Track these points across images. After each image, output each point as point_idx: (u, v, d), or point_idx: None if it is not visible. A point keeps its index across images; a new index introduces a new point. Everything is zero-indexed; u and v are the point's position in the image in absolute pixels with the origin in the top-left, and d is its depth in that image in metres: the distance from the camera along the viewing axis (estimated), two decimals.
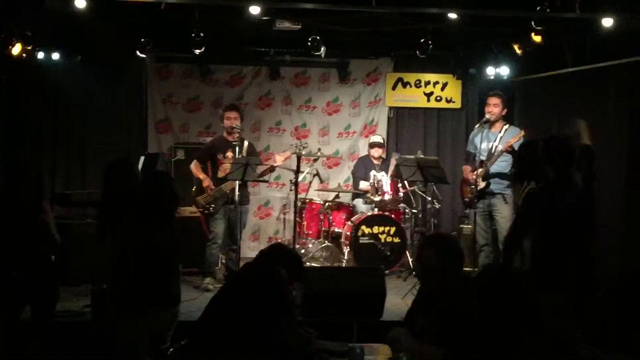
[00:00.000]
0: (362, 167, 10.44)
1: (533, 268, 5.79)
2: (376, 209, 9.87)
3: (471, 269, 8.89)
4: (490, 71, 10.70)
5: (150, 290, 5.23)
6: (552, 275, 5.65)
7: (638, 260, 7.84)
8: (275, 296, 4.33)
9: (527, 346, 3.42)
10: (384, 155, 10.57)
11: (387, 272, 8.93)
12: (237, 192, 8.62)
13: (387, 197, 9.82)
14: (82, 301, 7.55)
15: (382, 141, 10.56)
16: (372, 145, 10.45)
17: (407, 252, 9.76)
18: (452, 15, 8.00)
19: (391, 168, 10.05)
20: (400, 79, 11.49)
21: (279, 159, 9.08)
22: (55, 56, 10.04)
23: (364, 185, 10.23)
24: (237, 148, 8.78)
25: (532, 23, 7.98)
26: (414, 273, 9.10)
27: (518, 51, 9.38)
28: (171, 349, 4.95)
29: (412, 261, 9.57)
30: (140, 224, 5.37)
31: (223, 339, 4.21)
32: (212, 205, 8.87)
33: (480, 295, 3.55)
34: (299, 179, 9.07)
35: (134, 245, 5.32)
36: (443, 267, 4.27)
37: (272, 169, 9.12)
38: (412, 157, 9.42)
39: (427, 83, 11.50)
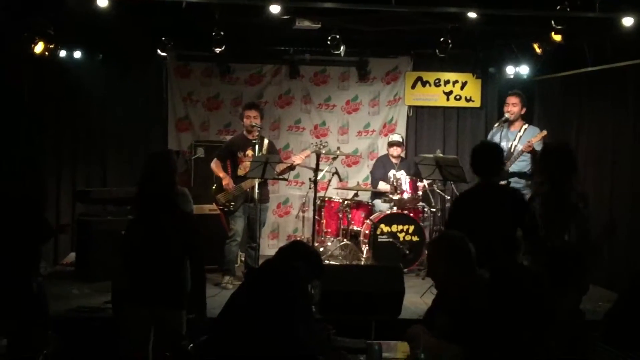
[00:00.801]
0: (381, 167, 10.45)
1: (551, 268, 5.78)
2: (395, 208, 9.88)
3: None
4: (510, 70, 10.69)
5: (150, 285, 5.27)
6: (570, 275, 5.64)
7: None
8: (294, 293, 4.36)
9: (544, 345, 3.43)
10: (403, 154, 10.58)
11: (405, 270, 8.94)
12: (256, 190, 8.65)
13: (406, 195, 9.83)
14: (102, 297, 7.60)
15: (401, 140, 10.57)
16: (391, 144, 10.46)
17: (425, 251, 9.75)
18: (472, 15, 8.00)
19: None
20: (419, 78, 11.49)
21: (298, 158, 9.10)
22: (77, 54, 10.13)
23: (382, 186, 10.23)
24: (256, 146, 8.82)
25: (552, 22, 7.97)
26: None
27: (538, 50, 9.37)
28: (191, 345, 4.98)
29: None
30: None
31: (242, 335, 4.25)
32: (232, 203, 8.91)
33: (494, 294, 3.57)
34: (318, 178, 9.09)
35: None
36: (449, 269, 4.28)
37: (292, 167, 9.13)
38: (431, 155, 9.41)
39: (447, 82, 11.50)
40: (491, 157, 6.23)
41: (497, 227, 5.83)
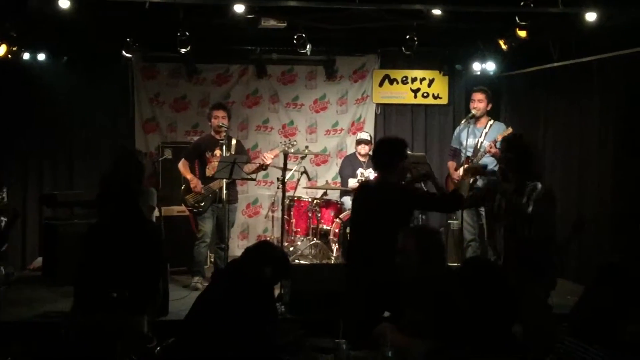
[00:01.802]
0: (349, 166, 10.43)
1: (519, 261, 5.80)
2: None
3: (458, 265, 8.91)
4: (477, 67, 10.72)
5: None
6: (536, 269, 5.67)
7: (623, 251, 7.89)
8: (260, 294, 4.35)
9: (510, 338, 3.44)
10: (370, 152, 10.57)
11: None
12: (224, 191, 8.62)
13: None
14: (70, 302, 7.49)
15: (369, 138, 10.55)
16: (359, 142, 10.44)
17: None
18: (436, 11, 8.01)
19: None
20: (387, 76, 11.51)
21: (268, 157, 9.06)
22: (41, 57, 10.01)
23: (352, 183, 10.22)
24: (224, 146, 8.78)
25: (517, 18, 8.00)
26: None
27: (504, 47, 9.39)
28: (158, 348, 4.94)
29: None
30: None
31: (209, 337, 4.22)
32: (201, 204, 8.87)
33: (463, 287, 3.58)
34: (287, 177, 9.06)
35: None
36: (422, 257, 4.30)
37: (264, 167, 9.09)
38: None
39: (414, 79, 11.53)
40: (383, 153, 6.22)
41: (378, 224, 5.80)
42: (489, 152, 8.51)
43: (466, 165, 8.56)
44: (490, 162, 8.69)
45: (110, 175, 5.67)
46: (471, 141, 8.78)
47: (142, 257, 5.24)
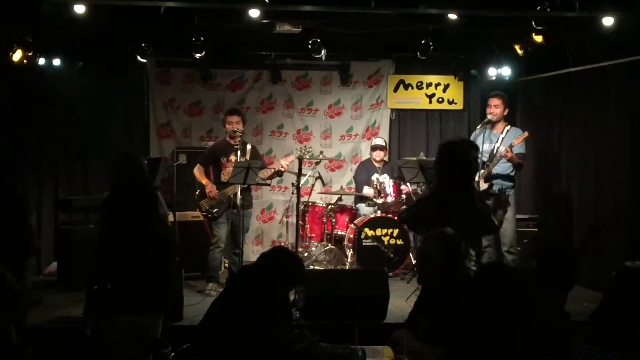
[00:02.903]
0: (364, 171, 10.42)
1: (537, 267, 5.75)
2: (379, 211, 9.85)
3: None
4: (492, 72, 10.68)
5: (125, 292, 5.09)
6: (554, 275, 5.62)
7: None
8: (274, 299, 4.33)
9: (526, 345, 3.41)
10: (386, 158, 10.55)
11: (390, 274, 8.95)
12: (239, 196, 8.60)
13: (389, 199, 9.81)
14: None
15: (384, 144, 10.54)
16: (374, 148, 10.43)
17: (410, 255, 9.74)
18: (452, 16, 7.99)
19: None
20: (401, 81, 11.48)
21: (284, 163, 9.03)
22: (57, 62, 10.03)
23: (367, 191, 10.19)
24: (239, 152, 8.77)
25: (533, 23, 7.96)
26: (417, 275, 9.07)
27: (519, 52, 9.37)
28: (172, 354, 4.92)
29: (415, 263, 9.55)
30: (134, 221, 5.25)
31: (224, 343, 4.21)
32: (216, 209, 8.85)
33: (478, 294, 3.55)
34: (301, 182, 9.04)
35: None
36: (443, 262, 4.28)
37: (279, 173, 9.07)
38: (414, 159, 9.40)
39: (429, 85, 11.49)
40: None
41: None
42: (505, 156, 8.47)
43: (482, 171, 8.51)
44: (507, 167, 8.66)
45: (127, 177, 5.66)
46: (487, 147, 8.73)
47: (153, 260, 5.16)
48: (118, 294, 5.01)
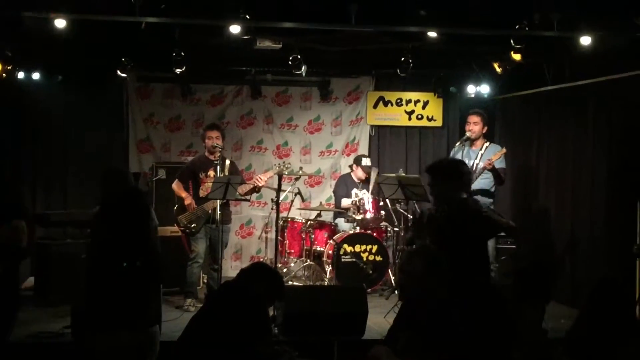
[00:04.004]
0: (344, 186, 10.42)
1: (514, 282, 5.79)
2: (358, 228, 9.85)
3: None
4: (471, 89, 10.76)
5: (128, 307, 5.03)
6: (530, 289, 5.66)
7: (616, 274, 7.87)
8: (253, 315, 4.32)
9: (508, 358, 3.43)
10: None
11: (369, 290, 8.97)
12: (218, 211, 8.58)
13: (369, 215, 9.81)
14: (62, 322, 7.46)
15: (370, 165, 10.49)
16: (363, 168, 10.33)
17: (389, 271, 9.74)
18: (432, 34, 8.05)
19: (372, 184, 10.06)
20: (381, 98, 11.52)
21: (262, 179, 9.04)
22: (36, 76, 10.01)
23: (346, 202, 10.20)
24: (218, 167, 8.76)
25: (511, 41, 8.03)
26: (396, 291, 9.10)
27: (498, 69, 9.45)
28: None
29: (394, 279, 9.56)
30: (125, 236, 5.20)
31: (202, 359, 4.20)
32: (194, 225, 8.83)
33: (464, 308, 3.57)
34: (281, 198, 9.04)
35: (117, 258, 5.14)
36: (428, 278, 4.29)
37: (257, 189, 9.08)
38: (394, 175, 9.43)
39: (408, 101, 11.53)
40: None
41: None
42: (488, 167, 8.51)
43: None
44: (487, 183, 8.73)
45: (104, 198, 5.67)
46: (466, 163, 8.77)
47: (146, 274, 5.10)
48: (112, 308, 4.93)
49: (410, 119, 11.54)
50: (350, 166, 10.69)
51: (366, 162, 10.39)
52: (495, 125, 10.91)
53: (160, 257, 5.53)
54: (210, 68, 10.88)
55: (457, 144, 9.18)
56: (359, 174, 10.36)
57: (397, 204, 10.00)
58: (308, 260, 9.89)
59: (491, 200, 8.81)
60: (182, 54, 9.07)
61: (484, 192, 8.70)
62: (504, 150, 8.77)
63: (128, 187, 6.26)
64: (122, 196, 5.33)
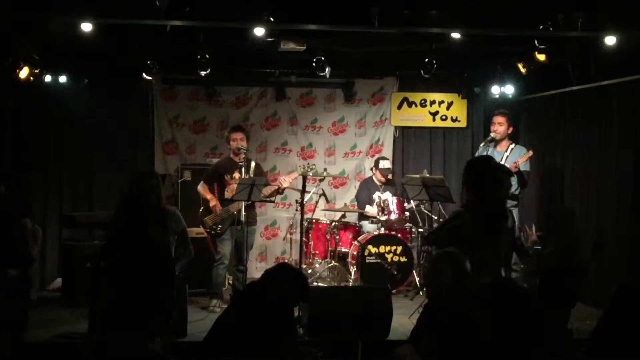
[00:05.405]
0: (366, 190, 10.41)
1: (540, 286, 5.77)
2: (382, 229, 9.86)
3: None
4: (495, 90, 10.72)
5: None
6: (557, 293, 5.64)
7: None
8: (279, 315, 4.35)
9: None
10: (390, 176, 10.57)
11: (393, 291, 8.97)
12: (243, 213, 8.62)
13: (393, 216, 9.82)
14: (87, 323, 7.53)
15: (390, 167, 10.50)
16: (381, 171, 10.34)
17: (413, 272, 9.74)
18: (456, 35, 8.03)
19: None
20: (405, 99, 11.52)
21: (286, 180, 9.07)
22: (62, 79, 10.12)
23: (369, 209, 10.18)
24: (243, 169, 8.81)
25: (536, 42, 8.00)
26: (420, 292, 9.10)
27: (522, 70, 9.41)
28: None
29: (418, 280, 9.57)
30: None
31: (228, 359, 4.22)
32: (220, 226, 8.88)
33: (487, 310, 3.56)
34: (305, 199, 9.07)
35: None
36: (455, 285, 4.30)
37: (280, 190, 9.11)
38: (418, 176, 9.43)
39: (433, 102, 11.53)
40: None
41: None
42: (514, 169, 8.46)
43: None
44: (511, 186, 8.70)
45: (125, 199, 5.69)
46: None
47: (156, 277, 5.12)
48: (121, 310, 4.96)
49: (434, 119, 11.53)
50: (371, 169, 10.71)
51: (384, 164, 10.40)
52: (519, 126, 10.87)
53: (173, 261, 5.53)
54: (234, 70, 10.93)
55: (481, 145, 9.16)
56: (378, 176, 10.37)
57: (421, 205, 10.00)
58: (333, 261, 9.91)
59: (515, 202, 8.75)
60: (207, 56, 9.11)
61: (508, 195, 8.65)
62: (531, 152, 8.72)
63: (131, 191, 6.27)
64: (120, 200, 5.41)
